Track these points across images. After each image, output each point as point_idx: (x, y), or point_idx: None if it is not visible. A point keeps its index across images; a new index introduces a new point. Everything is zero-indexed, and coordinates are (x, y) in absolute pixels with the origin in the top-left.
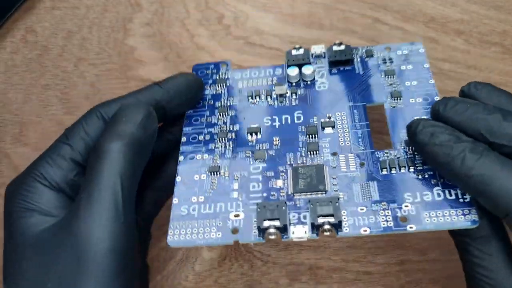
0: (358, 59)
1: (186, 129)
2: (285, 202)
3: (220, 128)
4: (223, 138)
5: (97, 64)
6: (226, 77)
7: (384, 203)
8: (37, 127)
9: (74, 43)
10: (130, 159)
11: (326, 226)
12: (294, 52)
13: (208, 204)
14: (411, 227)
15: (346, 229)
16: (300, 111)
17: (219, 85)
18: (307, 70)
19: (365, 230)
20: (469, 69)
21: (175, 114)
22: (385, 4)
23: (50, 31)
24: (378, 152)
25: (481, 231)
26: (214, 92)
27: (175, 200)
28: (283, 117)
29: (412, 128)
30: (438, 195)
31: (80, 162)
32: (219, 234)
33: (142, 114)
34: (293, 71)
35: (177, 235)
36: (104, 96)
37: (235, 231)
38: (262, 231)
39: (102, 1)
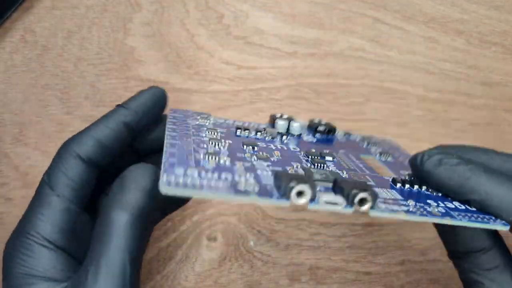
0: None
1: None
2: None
3: (211, 138)
4: (216, 143)
5: (97, 64)
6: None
7: (412, 201)
8: (37, 127)
9: (74, 43)
10: (139, 232)
11: (363, 195)
12: (278, 121)
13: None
14: (447, 219)
15: (382, 206)
16: (296, 147)
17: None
18: (295, 124)
19: (401, 212)
20: (469, 69)
21: (143, 130)
22: (385, 4)
23: (50, 31)
24: (386, 177)
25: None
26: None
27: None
28: (279, 146)
29: (417, 160)
30: (461, 205)
31: (72, 210)
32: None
33: (150, 180)
34: (283, 124)
35: (174, 177)
36: (104, 96)
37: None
38: (286, 190)
39: (102, 1)
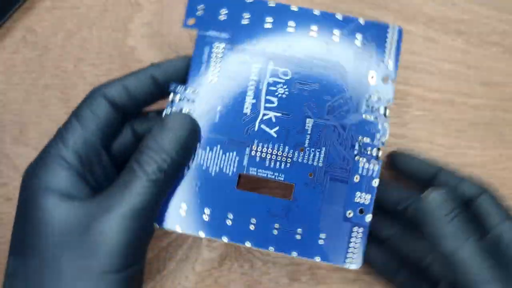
0: None
1: None
2: None
3: None
4: None
5: (97, 64)
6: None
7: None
8: (37, 127)
9: (74, 43)
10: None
11: None
12: None
13: None
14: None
15: None
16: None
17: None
18: None
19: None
20: (469, 69)
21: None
22: (385, 4)
23: (50, 31)
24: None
25: None
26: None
27: None
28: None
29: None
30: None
31: (94, 144)
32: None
33: (188, 128)
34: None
35: None
36: None
37: None
38: None
39: (102, 1)
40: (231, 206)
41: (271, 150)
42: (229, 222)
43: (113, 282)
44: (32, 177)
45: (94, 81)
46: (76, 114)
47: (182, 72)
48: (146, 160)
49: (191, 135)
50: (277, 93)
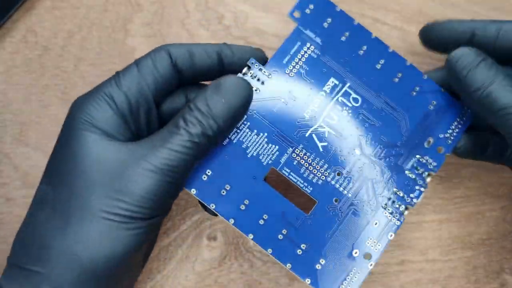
0: None
1: None
2: None
3: None
4: None
5: (98, 64)
6: None
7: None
8: (37, 127)
9: (74, 43)
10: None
11: None
12: None
13: None
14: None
15: None
16: None
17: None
18: None
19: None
20: None
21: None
22: (385, 4)
23: (50, 31)
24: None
25: None
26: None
27: None
28: None
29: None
30: None
31: (146, 94)
32: None
33: (247, 92)
34: None
35: None
36: None
37: None
38: None
39: (102, 1)
40: (251, 194)
41: (311, 161)
42: (242, 207)
43: (135, 228)
44: (78, 110)
45: (94, 81)
46: (137, 61)
47: (249, 58)
48: (192, 121)
49: (244, 105)
50: (341, 113)
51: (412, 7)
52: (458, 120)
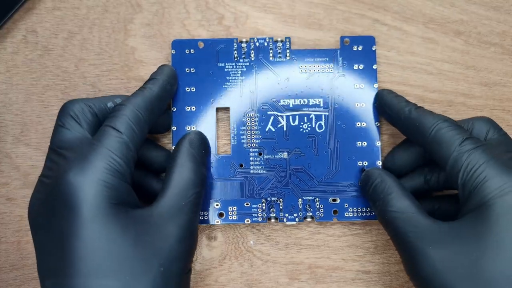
0: None
1: None
2: None
3: None
4: None
5: (98, 64)
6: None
7: None
8: (38, 127)
9: (75, 44)
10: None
11: None
12: None
13: None
14: None
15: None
16: None
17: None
18: None
19: None
20: (468, 69)
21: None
22: (385, 5)
23: (51, 32)
24: None
25: None
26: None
27: None
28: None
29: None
30: None
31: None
32: None
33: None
34: None
35: None
36: None
37: None
38: None
39: (103, 2)
40: None
41: None
42: None
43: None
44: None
45: (94, 81)
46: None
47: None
48: None
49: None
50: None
51: (412, 7)
52: None
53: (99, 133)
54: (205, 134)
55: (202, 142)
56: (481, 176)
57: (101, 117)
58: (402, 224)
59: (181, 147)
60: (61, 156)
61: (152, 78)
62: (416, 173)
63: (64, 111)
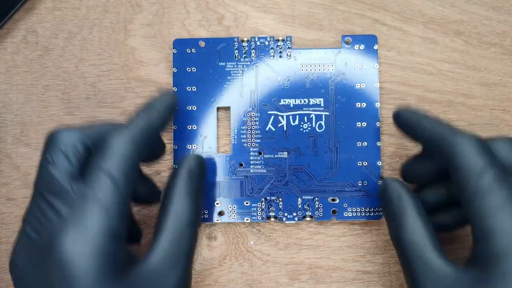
0: None
1: None
2: None
3: None
4: None
5: (98, 64)
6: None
7: None
8: (38, 127)
9: (75, 44)
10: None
11: None
12: None
13: None
14: None
15: None
16: None
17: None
18: None
19: None
20: (468, 69)
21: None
22: (385, 5)
23: (51, 32)
24: None
25: None
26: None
27: None
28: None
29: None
30: None
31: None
32: None
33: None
34: None
35: None
36: (105, 97)
37: None
38: None
39: (103, 2)
40: None
41: None
42: None
43: None
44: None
45: (94, 81)
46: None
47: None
48: None
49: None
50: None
51: (412, 7)
52: None
53: (92, 179)
54: (206, 133)
55: (201, 170)
56: (493, 224)
57: (94, 149)
58: (413, 259)
59: (178, 181)
60: (52, 209)
61: (152, 106)
62: (438, 185)
63: (54, 143)
